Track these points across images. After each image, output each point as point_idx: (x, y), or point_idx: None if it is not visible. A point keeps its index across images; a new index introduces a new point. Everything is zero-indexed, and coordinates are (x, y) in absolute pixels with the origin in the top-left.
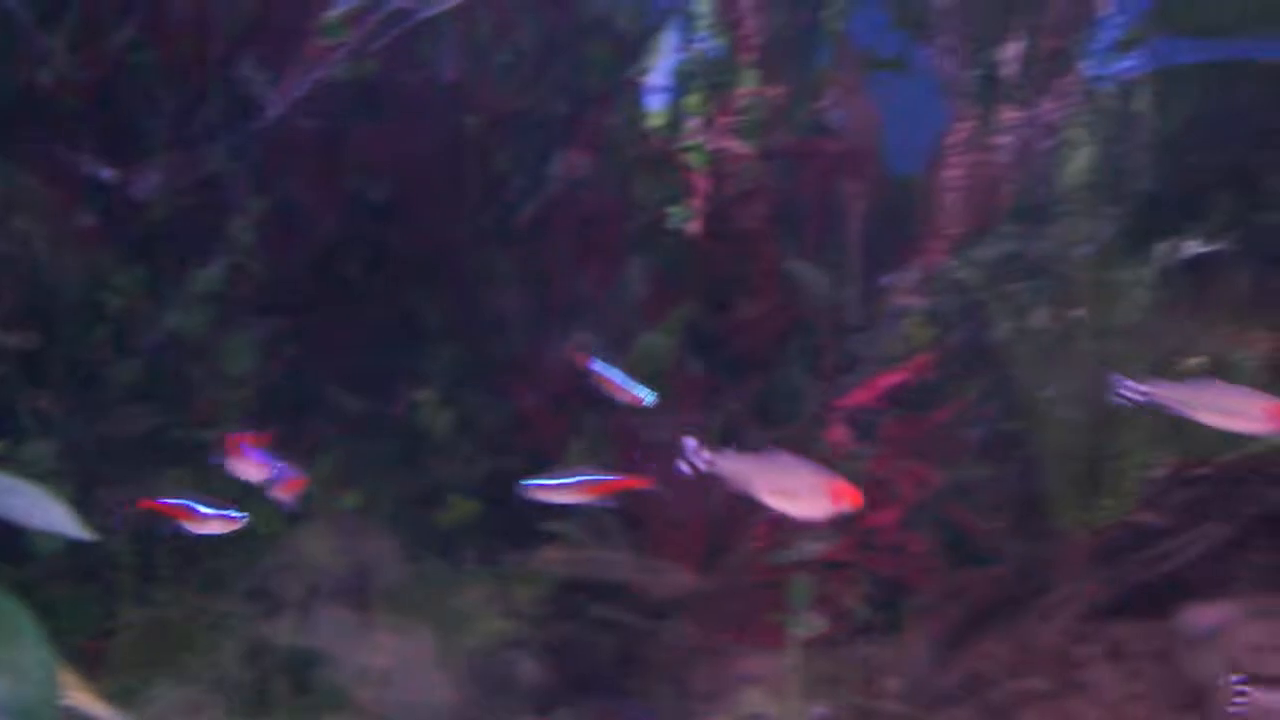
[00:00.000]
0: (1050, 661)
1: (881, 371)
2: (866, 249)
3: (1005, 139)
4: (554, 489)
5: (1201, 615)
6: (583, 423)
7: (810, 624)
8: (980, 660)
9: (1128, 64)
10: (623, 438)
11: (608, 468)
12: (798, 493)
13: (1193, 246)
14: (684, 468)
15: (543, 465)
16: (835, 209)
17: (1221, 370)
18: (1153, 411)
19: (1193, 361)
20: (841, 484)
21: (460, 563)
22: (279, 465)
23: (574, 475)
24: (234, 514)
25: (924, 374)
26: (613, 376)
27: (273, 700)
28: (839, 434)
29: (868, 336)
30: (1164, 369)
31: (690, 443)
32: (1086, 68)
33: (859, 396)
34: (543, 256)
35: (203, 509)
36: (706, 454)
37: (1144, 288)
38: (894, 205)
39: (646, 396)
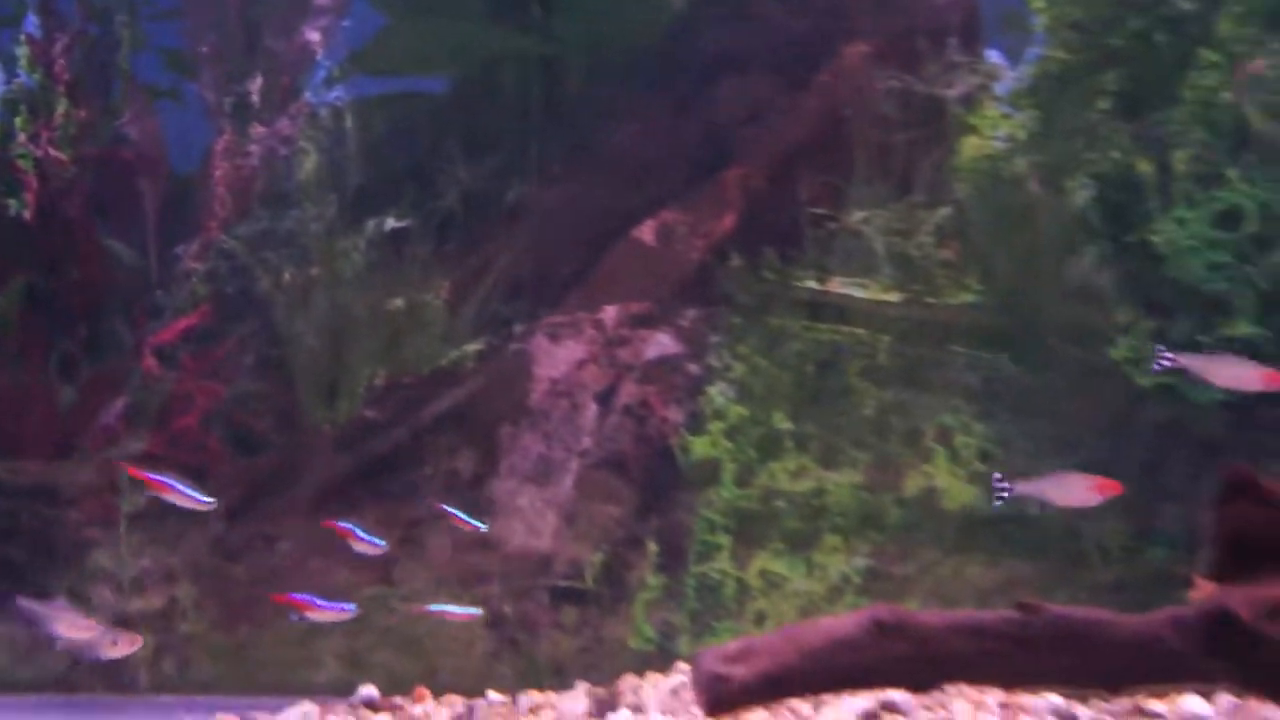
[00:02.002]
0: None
1: (178, 318)
2: (161, 229)
3: (255, 148)
4: None
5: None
6: None
7: (134, 501)
8: (269, 524)
9: (336, 94)
10: None
11: None
12: (1074, 492)
13: (391, 223)
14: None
15: None
16: (136, 200)
17: (416, 309)
18: (371, 333)
19: (395, 303)
20: (1102, 480)
21: None
22: None
23: None
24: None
25: (209, 318)
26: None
27: None
28: (150, 365)
29: (166, 293)
30: (374, 310)
31: (997, 477)
32: (310, 96)
33: (163, 336)
34: None
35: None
36: (1007, 483)
37: (360, 253)
38: (180, 196)
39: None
